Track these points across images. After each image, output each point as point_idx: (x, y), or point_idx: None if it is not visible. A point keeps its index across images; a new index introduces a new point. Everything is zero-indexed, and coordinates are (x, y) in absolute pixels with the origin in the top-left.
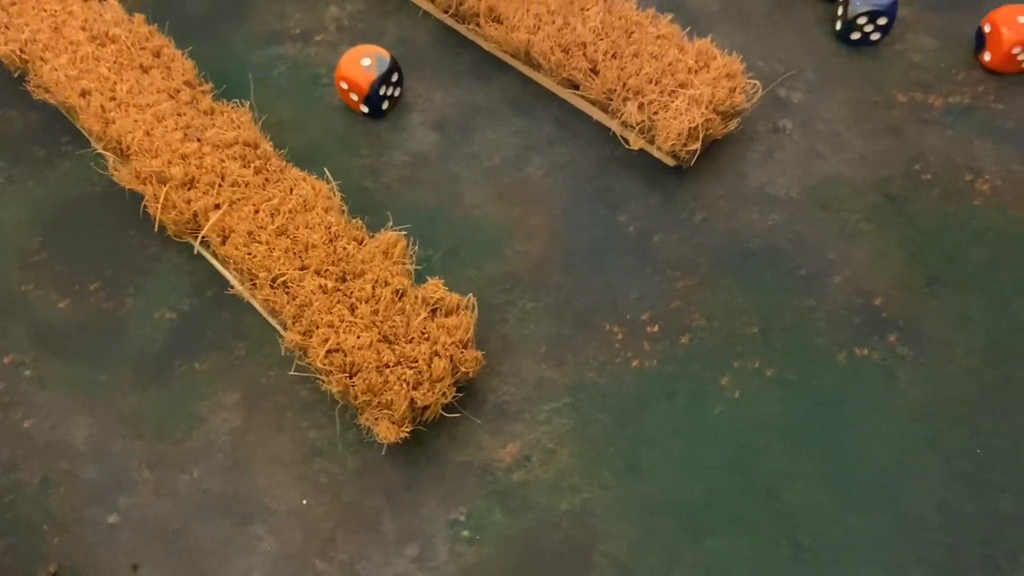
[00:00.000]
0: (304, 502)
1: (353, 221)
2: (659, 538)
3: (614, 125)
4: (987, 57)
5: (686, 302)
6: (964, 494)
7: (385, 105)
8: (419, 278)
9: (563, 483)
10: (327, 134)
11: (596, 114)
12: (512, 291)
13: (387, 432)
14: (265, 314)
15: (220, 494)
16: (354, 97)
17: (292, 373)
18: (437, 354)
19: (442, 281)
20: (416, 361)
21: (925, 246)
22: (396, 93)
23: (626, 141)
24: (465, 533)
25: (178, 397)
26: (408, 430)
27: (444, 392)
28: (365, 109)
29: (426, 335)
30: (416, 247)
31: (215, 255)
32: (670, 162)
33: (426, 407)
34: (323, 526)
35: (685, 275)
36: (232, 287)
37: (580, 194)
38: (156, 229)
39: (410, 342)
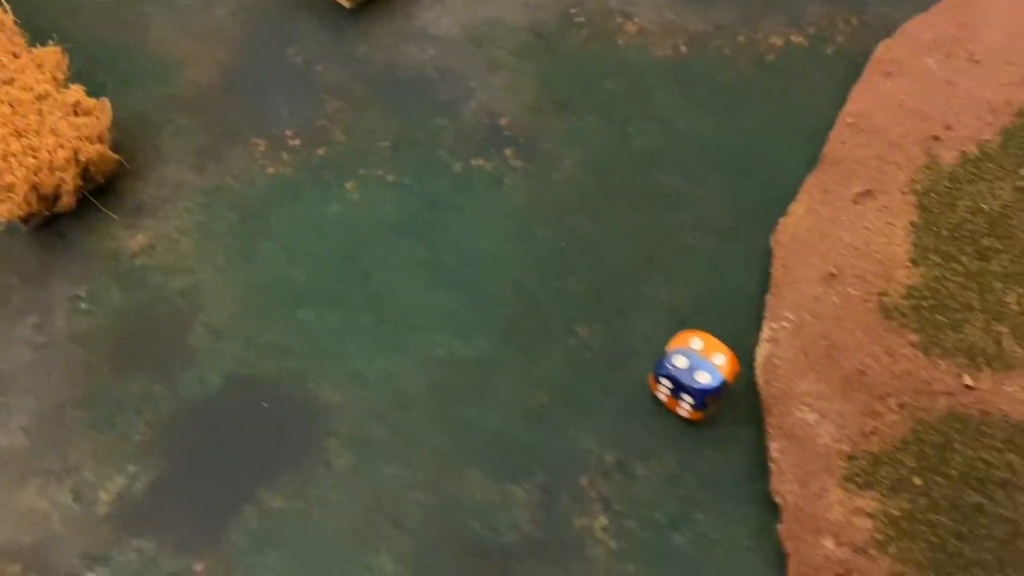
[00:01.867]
0: None
1: (14, 39)
2: (256, 310)
3: None
4: None
5: (331, 121)
6: (539, 277)
7: None
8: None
9: (180, 266)
10: None
11: None
12: (173, 111)
13: (4, 211)
14: None
15: None
16: None
17: None
18: (61, 146)
19: (84, 88)
20: (39, 151)
21: (561, 77)
22: None
23: None
24: (83, 306)
25: None
26: (26, 211)
27: (66, 180)
28: None
29: (56, 131)
30: (69, 61)
31: None
32: (347, 5)
33: (57, 196)
34: None
35: (336, 99)
36: None
37: (258, 32)
38: None
39: (39, 136)
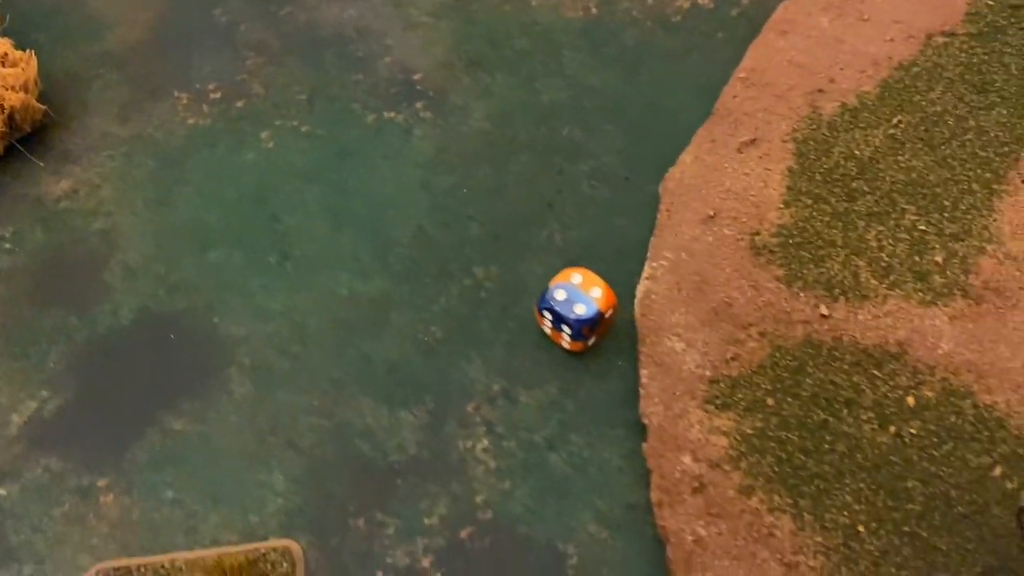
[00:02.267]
0: None
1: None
2: (168, 252)
3: None
4: None
5: (251, 75)
6: (440, 222)
7: None
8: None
9: (100, 210)
10: None
11: None
12: (103, 67)
13: None
14: None
15: None
16: None
17: None
18: None
19: (12, 42)
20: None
21: (474, 36)
22: None
23: None
24: (6, 246)
25: None
26: None
27: None
28: None
29: None
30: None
31: None
32: None
33: None
34: None
35: (257, 55)
36: None
37: None
38: None
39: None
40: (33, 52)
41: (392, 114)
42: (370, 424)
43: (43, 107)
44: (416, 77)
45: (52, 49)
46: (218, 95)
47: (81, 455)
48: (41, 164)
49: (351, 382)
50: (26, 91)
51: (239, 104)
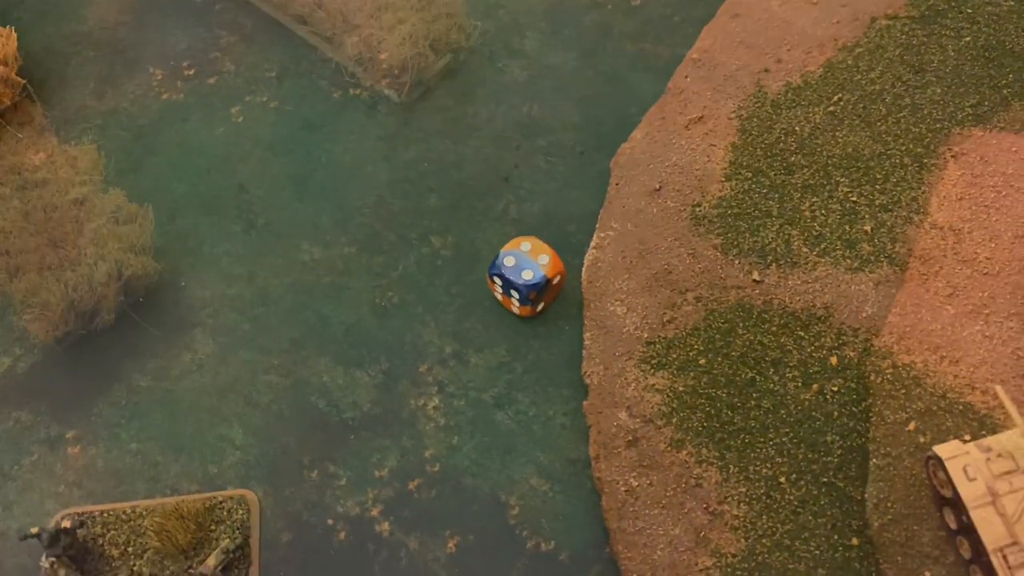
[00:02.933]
0: None
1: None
2: (140, 219)
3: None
4: None
5: (224, 53)
6: (400, 193)
7: None
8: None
9: (76, 180)
10: None
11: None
12: (81, 44)
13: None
14: None
15: None
16: None
17: None
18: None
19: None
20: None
21: (440, 17)
22: None
23: None
24: None
25: None
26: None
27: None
28: None
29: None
30: None
31: None
32: None
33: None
34: None
35: (231, 34)
36: None
37: None
38: None
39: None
40: (13, 29)
41: (358, 91)
42: (326, 382)
43: (22, 81)
44: (382, 56)
45: (32, 26)
46: (192, 72)
47: (50, 409)
48: (20, 136)
49: (309, 343)
50: (5, 66)
51: (211, 80)
